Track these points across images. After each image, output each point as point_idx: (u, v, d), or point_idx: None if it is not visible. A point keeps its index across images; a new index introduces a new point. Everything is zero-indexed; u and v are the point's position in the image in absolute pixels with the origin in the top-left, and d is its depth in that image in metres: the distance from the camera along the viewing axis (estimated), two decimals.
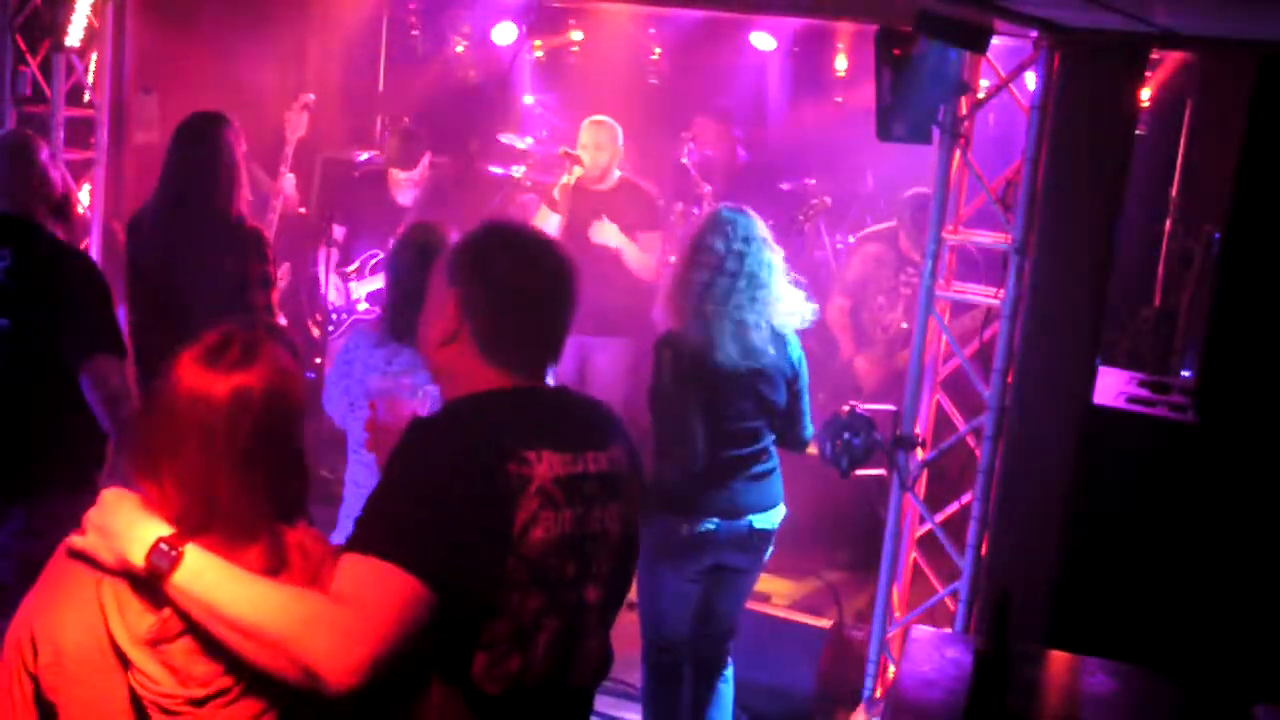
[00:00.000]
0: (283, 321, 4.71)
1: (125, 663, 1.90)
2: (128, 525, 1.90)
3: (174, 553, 1.86)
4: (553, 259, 2.24)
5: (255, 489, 1.93)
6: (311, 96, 6.40)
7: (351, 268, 6.29)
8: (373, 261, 6.29)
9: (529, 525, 2.05)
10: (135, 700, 1.91)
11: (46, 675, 1.93)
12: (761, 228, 4.06)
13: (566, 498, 2.11)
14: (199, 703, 1.90)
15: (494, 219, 2.36)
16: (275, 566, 1.94)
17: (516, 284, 2.18)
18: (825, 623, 5.15)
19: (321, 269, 6.31)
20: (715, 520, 4.01)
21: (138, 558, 1.87)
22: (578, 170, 5.86)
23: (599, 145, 5.91)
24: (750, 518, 4.06)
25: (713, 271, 3.94)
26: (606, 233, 5.83)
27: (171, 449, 1.92)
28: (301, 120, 6.18)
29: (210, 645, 1.89)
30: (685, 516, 3.98)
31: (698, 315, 3.94)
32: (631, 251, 5.86)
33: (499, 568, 2.03)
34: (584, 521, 2.14)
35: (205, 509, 1.92)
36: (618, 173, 6.05)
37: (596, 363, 6.01)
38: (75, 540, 1.95)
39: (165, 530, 1.90)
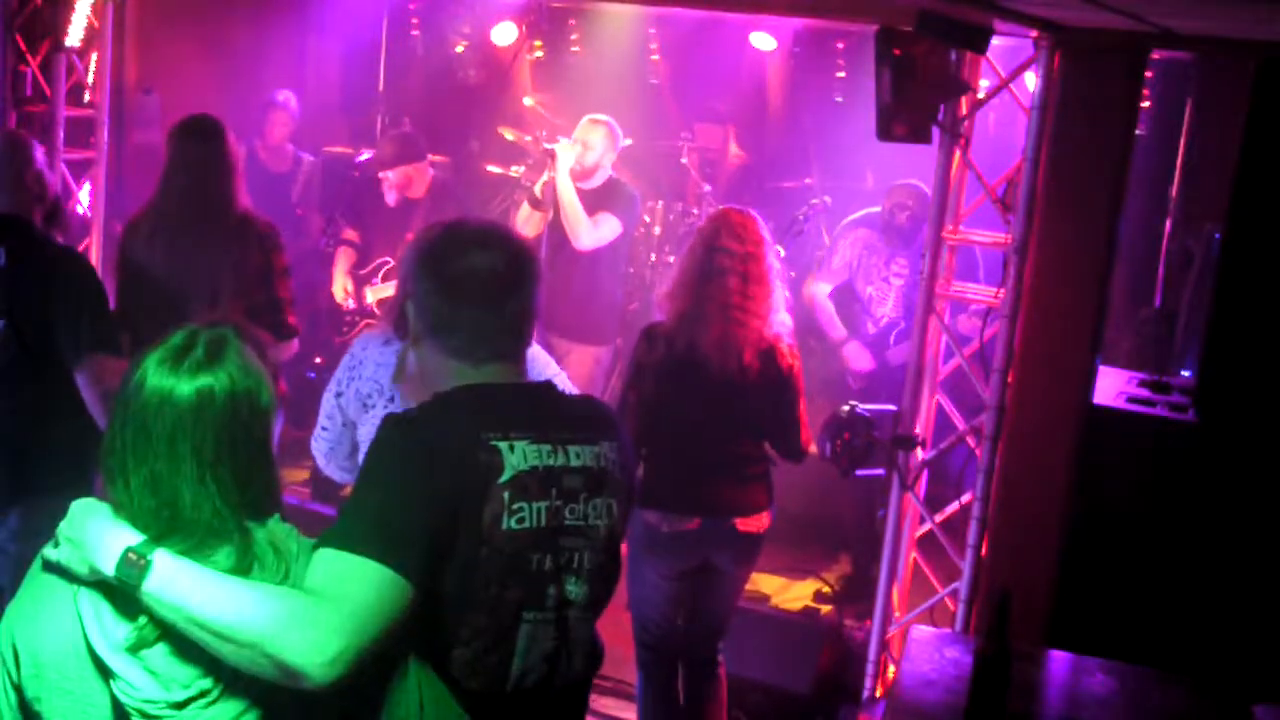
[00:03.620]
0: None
1: (106, 671, 1.90)
2: (97, 536, 1.90)
3: (143, 561, 1.86)
4: (501, 246, 2.20)
5: (222, 491, 1.92)
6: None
7: (378, 277, 6.32)
8: (384, 269, 6.31)
9: (500, 514, 2.05)
10: (117, 707, 1.91)
11: (29, 686, 1.93)
12: (767, 231, 4.08)
13: (543, 489, 2.10)
14: (180, 705, 1.90)
15: (447, 221, 2.33)
16: (246, 566, 1.93)
17: (463, 275, 2.15)
18: (825, 623, 5.15)
19: (341, 268, 6.33)
20: (697, 519, 4.01)
21: (109, 568, 1.87)
22: (564, 163, 5.81)
23: (588, 145, 5.91)
24: (734, 520, 4.05)
25: (720, 272, 3.94)
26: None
27: (137, 453, 1.92)
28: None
29: (189, 648, 1.88)
30: (665, 513, 3.98)
31: (697, 313, 3.94)
32: (576, 210, 5.77)
33: (473, 558, 2.03)
34: (562, 514, 2.13)
35: (171, 512, 1.91)
36: (609, 173, 6.05)
37: (564, 367, 6.01)
38: (49, 552, 1.95)
39: (134, 539, 1.89)
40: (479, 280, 2.16)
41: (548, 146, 5.92)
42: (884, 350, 5.83)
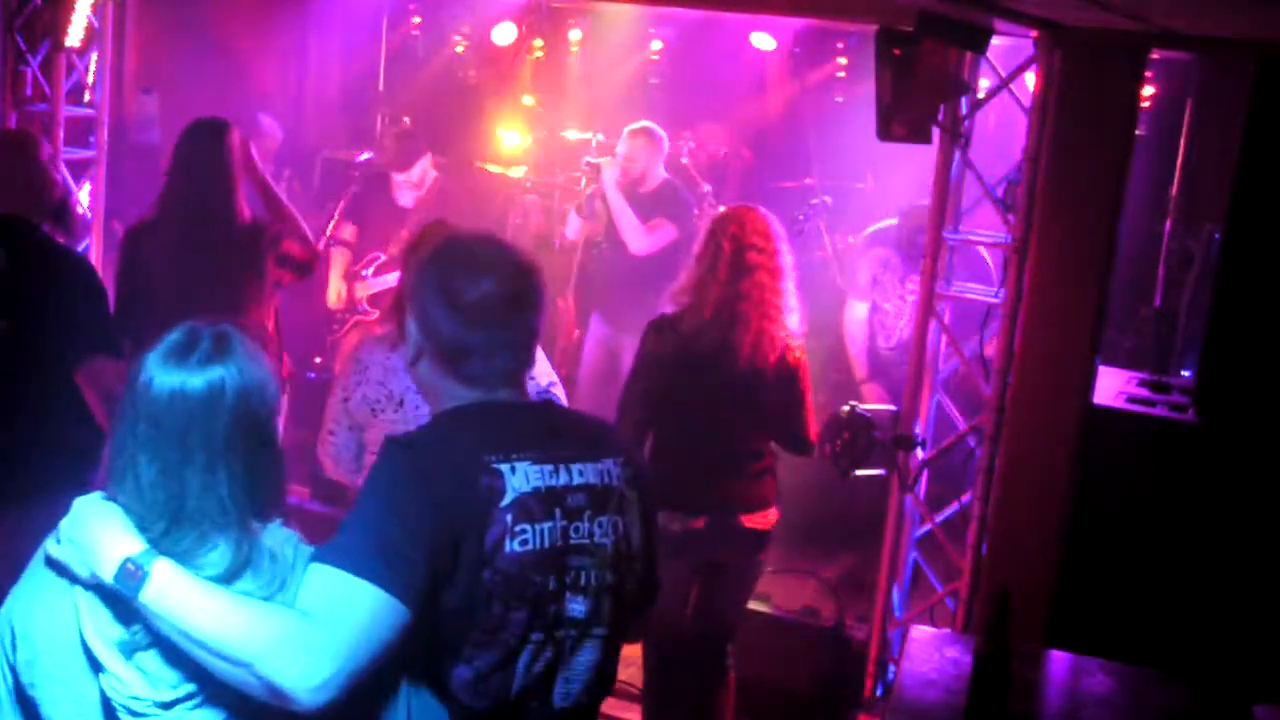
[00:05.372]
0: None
1: (97, 665, 1.91)
2: (97, 540, 1.90)
3: (141, 572, 1.86)
4: (510, 268, 2.18)
5: (231, 480, 1.92)
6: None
7: (368, 271, 6.32)
8: (375, 264, 6.32)
9: (503, 537, 2.03)
10: (105, 701, 1.92)
11: (25, 672, 1.95)
12: (780, 228, 4.09)
13: (546, 510, 2.08)
14: (166, 705, 1.91)
15: (453, 233, 2.31)
16: (239, 567, 1.93)
17: (471, 300, 2.12)
18: (825, 623, 5.15)
19: (336, 271, 6.33)
20: (704, 517, 4.00)
21: (107, 575, 1.87)
22: (609, 178, 5.99)
23: (630, 158, 6.07)
24: (741, 516, 4.06)
25: (751, 268, 3.95)
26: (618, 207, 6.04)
27: (149, 449, 1.92)
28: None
29: (180, 651, 1.89)
30: (674, 512, 3.97)
31: (730, 310, 3.93)
32: (628, 220, 5.97)
33: (475, 581, 2.01)
34: (568, 534, 2.11)
35: (179, 504, 1.91)
36: (662, 176, 6.20)
37: (623, 358, 6.13)
38: (52, 549, 1.95)
39: (134, 545, 1.88)
40: (491, 305, 2.13)
41: (590, 161, 6.16)
42: (900, 367, 5.84)
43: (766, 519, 4.11)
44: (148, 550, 1.89)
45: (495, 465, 2.06)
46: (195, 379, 1.92)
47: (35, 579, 1.99)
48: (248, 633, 1.84)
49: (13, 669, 1.96)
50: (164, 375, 1.93)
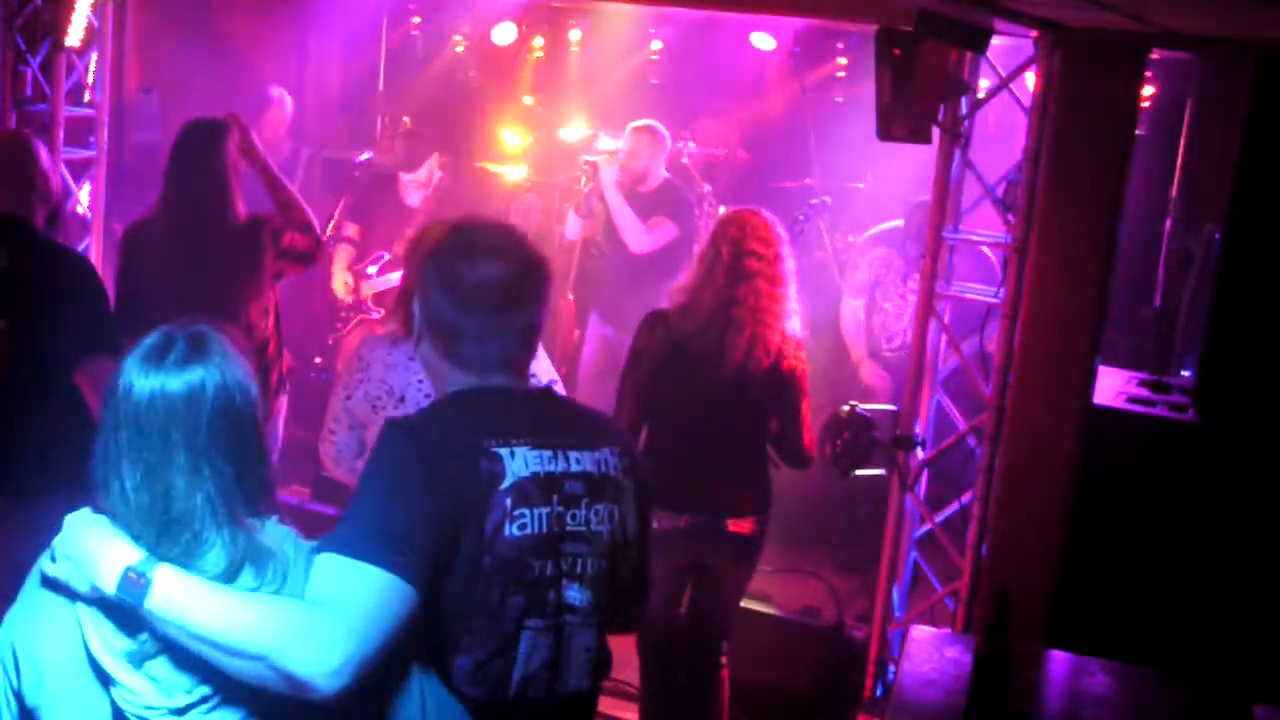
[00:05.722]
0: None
1: (107, 679, 1.90)
2: (95, 553, 1.89)
3: (144, 580, 1.85)
4: (513, 255, 2.19)
5: (216, 478, 1.92)
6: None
7: (372, 269, 6.32)
8: (380, 263, 6.32)
9: (503, 521, 2.04)
10: (118, 714, 1.91)
11: (30, 695, 1.93)
12: (783, 231, 4.08)
13: (544, 496, 2.10)
14: (181, 711, 1.90)
15: (459, 221, 2.33)
16: (237, 565, 1.92)
17: (469, 283, 2.14)
18: (825, 623, 5.15)
19: (340, 264, 6.32)
20: (687, 517, 3.99)
21: (109, 587, 1.86)
22: (608, 177, 5.99)
23: (632, 153, 6.08)
24: (726, 520, 4.05)
25: (749, 275, 3.94)
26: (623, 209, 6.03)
27: (132, 452, 1.92)
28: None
29: (191, 653, 1.88)
30: (662, 510, 3.96)
31: (725, 315, 3.93)
32: (628, 219, 5.97)
33: (475, 564, 2.02)
34: (564, 520, 2.12)
35: (165, 505, 1.90)
36: (663, 175, 6.20)
37: (623, 357, 6.13)
38: (47, 568, 1.94)
39: (134, 554, 1.88)
40: (490, 290, 2.14)
41: (588, 159, 6.15)
42: (903, 369, 5.84)
43: (751, 525, 4.09)
44: (148, 558, 1.88)
45: (494, 450, 2.07)
46: (174, 381, 1.92)
47: (32, 601, 1.97)
48: (258, 626, 1.84)
49: (18, 695, 1.94)
50: (142, 379, 1.93)
